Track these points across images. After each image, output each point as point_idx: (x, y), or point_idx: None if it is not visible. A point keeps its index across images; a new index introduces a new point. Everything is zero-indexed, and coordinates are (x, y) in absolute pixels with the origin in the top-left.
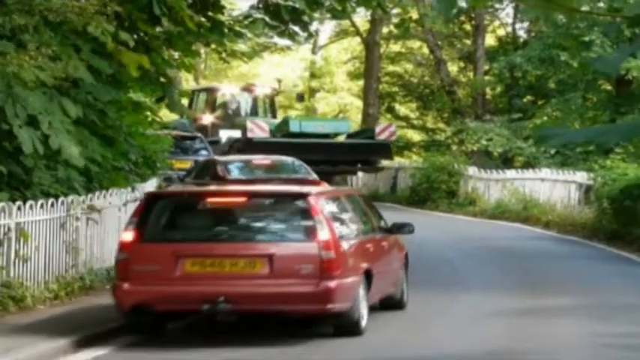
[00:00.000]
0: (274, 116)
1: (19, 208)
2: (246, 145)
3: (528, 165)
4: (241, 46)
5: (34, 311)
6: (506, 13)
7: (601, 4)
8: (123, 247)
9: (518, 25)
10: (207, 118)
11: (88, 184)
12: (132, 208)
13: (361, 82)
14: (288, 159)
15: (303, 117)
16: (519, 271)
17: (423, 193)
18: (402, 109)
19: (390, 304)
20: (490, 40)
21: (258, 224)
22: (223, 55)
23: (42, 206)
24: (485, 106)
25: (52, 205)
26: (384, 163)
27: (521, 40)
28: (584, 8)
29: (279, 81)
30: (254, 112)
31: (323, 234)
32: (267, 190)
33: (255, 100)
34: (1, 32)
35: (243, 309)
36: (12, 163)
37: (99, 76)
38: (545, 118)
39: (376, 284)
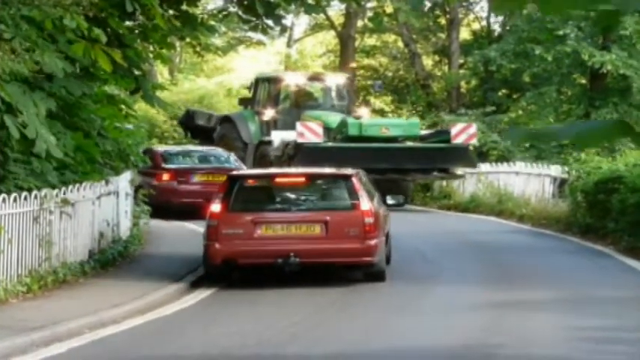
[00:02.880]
0: (349, 112)
1: None
2: (296, 151)
3: (503, 158)
4: (216, 41)
5: (7, 305)
6: (481, 7)
7: None
8: (212, 215)
9: (492, 19)
10: (269, 113)
11: (62, 177)
12: (106, 201)
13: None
14: (220, 150)
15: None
16: (493, 265)
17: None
18: (377, 103)
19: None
20: (465, 34)
21: (315, 198)
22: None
23: (15, 199)
24: (459, 100)
25: (26, 198)
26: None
27: (496, 33)
28: None
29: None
30: (324, 106)
31: (364, 205)
32: (320, 172)
33: (325, 92)
34: None
35: (307, 262)
36: None
37: (73, 69)
38: (519, 111)
39: (388, 244)
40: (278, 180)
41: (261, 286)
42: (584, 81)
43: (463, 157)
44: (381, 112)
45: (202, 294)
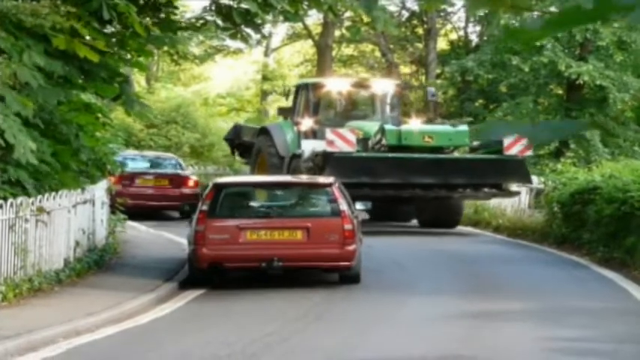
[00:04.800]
0: (398, 122)
1: None
2: (326, 162)
3: None
4: (193, 49)
5: None
6: (459, 17)
7: (553, 9)
8: (200, 221)
9: (470, 29)
10: (307, 124)
11: (38, 185)
12: (82, 209)
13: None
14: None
15: (405, 123)
16: (469, 275)
17: None
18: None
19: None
20: (442, 44)
21: (298, 205)
22: (175, 57)
23: None
24: (436, 110)
25: (1, 206)
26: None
27: (473, 44)
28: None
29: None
30: (372, 116)
31: (344, 212)
32: (302, 180)
33: (373, 101)
34: None
35: (289, 265)
36: None
37: (50, 78)
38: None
39: (361, 248)
40: (262, 187)
41: (236, 296)
42: (560, 91)
43: (518, 171)
44: None
45: (178, 303)
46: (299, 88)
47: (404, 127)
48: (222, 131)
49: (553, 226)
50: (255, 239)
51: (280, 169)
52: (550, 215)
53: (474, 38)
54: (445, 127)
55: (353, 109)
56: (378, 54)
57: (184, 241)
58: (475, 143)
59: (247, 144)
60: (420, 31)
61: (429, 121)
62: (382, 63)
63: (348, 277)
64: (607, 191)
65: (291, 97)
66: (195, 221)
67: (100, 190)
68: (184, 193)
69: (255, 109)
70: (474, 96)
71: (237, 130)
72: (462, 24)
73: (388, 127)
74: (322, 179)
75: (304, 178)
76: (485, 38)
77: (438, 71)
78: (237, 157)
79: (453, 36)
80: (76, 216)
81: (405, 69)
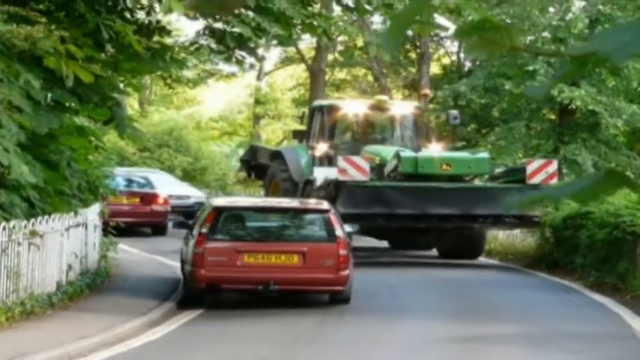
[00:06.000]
0: (418, 147)
1: None
2: (338, 190)
3: None
4: (187, 73)
5: None
6: (452, 41)
7: (545, 34)
8: (199, 243)
9: (463, 54)
10: (322, 148)
11: (31, 209)
12: (74, 233)
13: (306, 109)
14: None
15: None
16: (460, 299)
17: None
18: None
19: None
20: (435, 69)
21: (294, 229)
22: (168, 80)
23: None
24: (429, 134)
25: None
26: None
27: (466, 68)
28: (529, 37)
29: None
30: (389, 139)
31: (339, 238)
32: (299, 206)
33: (391, 123)
34: None
35: (285, 289)
36: None
37: (39, 103)
38: (489, 146)
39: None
40: (261, 211)
41: (228, 320)
42: (553, 116)
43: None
44: None
45: (170, 326)
46: (314, 111)
47: (421, 154)
48: (214, 155)
49: (545, 250)
50: (253, 262)
51: (294, 195)
52: (542, 240)
53: (467, 63)
54: (464, 155)
55: (370, 132)
56: (370, 78)
57: (176, 264)
58: (497, 171)
59: (263, 166)
60: (413, 55)
61: (454, 144)
62: (375, 87)
63: (338, 299)
64: (599, 216)
65: (305, 120)
66: (194, 243)
67: (92, 213)
68: (155, 210)
69: (248, 133)
70: (467, 121)
71: (253, 151)
72: (455, 49)
73: (404, 153)
74: (319, 205)
75: (302, 202)
76: (477, 63)
77: (431, 95)
78: (254, 179)
79: (446, 60)
80: (68, 239)
81: (398, 93)
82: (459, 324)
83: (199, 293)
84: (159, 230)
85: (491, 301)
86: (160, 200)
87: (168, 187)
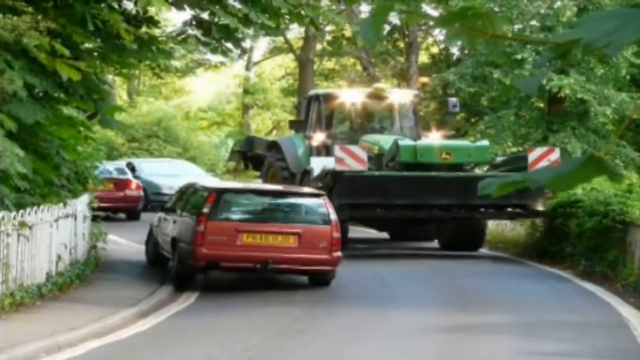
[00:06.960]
0: (417, 136)
1: None
2: (335, 181)
3: None
4: (175, 63)
5: None
6: (440, 30)
7: (534, 22)
8: (200, 222)
9: (442, 44)
10: (319, 138)
11: (20, 200)
12: (64, 224)
13: (295, 99)
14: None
15: (422, 138)
16: (450, 288)
17: None
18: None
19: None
20: (424, 58)
21: (291, 212)
22: (157, 70)
23: None
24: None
25: None
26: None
27: (455, 57)
28: (517, 26)
29: None
30: (388, 128)
31: (333, 221)
32: (296, 190)
33: (389, 112)
34: None
35: (282, 268)
36: None
37: (30, 94)
38: (478, 135)
39: None
40: (259, 194)
41: (218, 311)
42: (542, 105)
43: (544, 190)
44: None
45: (159, 317)
46: (310, 100)
47: (420, 143)
48: (203, 145)
49: (535, 239)
50: (252, 242)
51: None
52: (532, 229)
53: (456, 52)
54: (465, 143)
55: (368, 122)
56: (359, 67)
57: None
58: (498, 159)
59: (260, 156)
60: (401, 44)
61: (456, 132)
62: (364, 77)
63: (322, 281)
64: (589, 204)
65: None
66: (195, 222)
67: (81, 204)
68: (128, 195)
69: (237, 123)
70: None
71: (249, 142)
72: (443, 37)
73: (403, 142)
74: (315, 190)
75: (299, 188)
76: (466, 52)
77: (420, 84)
78: (251, 169)
79: (435, 49)
80: (58, 230)
81: (387, 82)
82: (448, 313)
83: (195, 271)
84: (133, 215)
85: (481, 290)
86: (133, 185)
87: (192, 178)
